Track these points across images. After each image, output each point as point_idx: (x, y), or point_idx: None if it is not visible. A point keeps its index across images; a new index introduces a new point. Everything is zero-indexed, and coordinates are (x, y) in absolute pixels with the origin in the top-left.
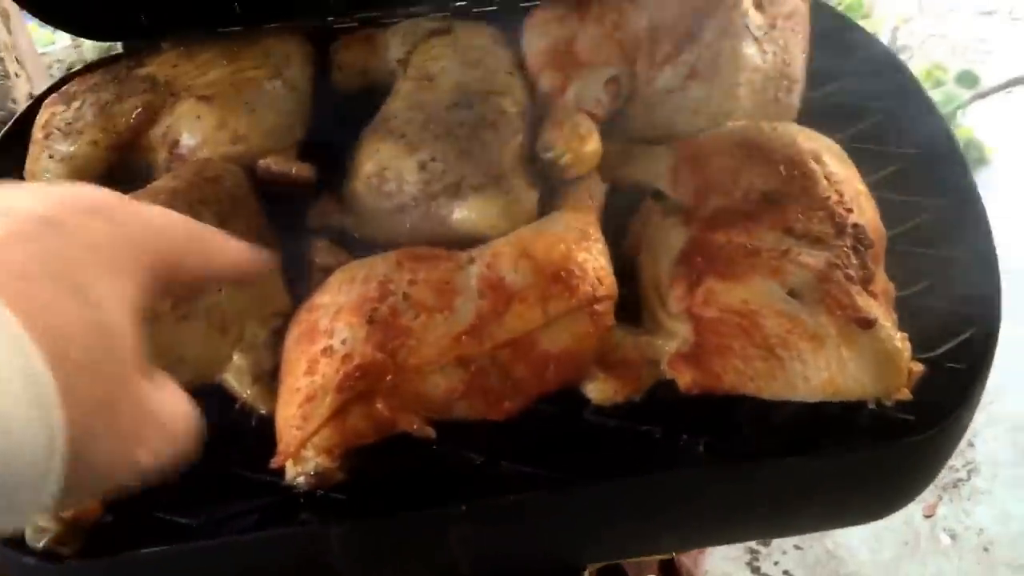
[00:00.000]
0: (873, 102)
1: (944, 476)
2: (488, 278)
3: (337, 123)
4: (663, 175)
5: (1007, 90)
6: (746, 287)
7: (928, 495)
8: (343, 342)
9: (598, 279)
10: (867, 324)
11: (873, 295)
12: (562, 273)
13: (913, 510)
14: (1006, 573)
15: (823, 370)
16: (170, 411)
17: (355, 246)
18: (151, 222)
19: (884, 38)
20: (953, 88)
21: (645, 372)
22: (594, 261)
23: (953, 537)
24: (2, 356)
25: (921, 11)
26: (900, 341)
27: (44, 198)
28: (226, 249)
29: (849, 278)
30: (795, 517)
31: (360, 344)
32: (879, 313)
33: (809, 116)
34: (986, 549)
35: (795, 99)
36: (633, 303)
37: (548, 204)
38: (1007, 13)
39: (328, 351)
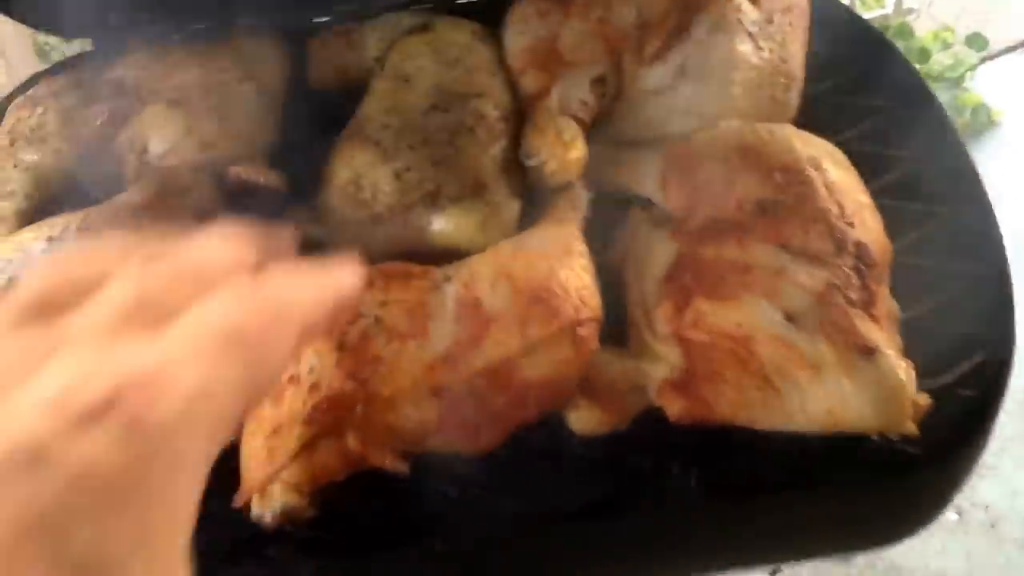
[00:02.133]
0: (876, 99)
1: None
2: (465, 301)
3: (313, 126)
4: (651, 181)
5: (1017, 51)
6: (739, 309)
7: None
8: (310, 370)
9: (581, 300)
10: (868, 352)
11: (876, 319)
12: (543, 294)
13: None
14: (1013, 550)
15: (822, 401)
16: None
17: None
18: (205, 399)
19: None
20: (962, 50)
21: (632, 399)
22: (577, 280)
23: (959, 513)
24: None
25: None
26: (905, 372)
27: (27, 407)
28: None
29: (850, 301)
30: (793, 551)
31: (329, 373)
32: (881, 340)
33: (807, 115)
34: (993, 526)
35: (793, 98)
36: (620, 321)
37: (530, 212)
38: None
39: (295, 380)
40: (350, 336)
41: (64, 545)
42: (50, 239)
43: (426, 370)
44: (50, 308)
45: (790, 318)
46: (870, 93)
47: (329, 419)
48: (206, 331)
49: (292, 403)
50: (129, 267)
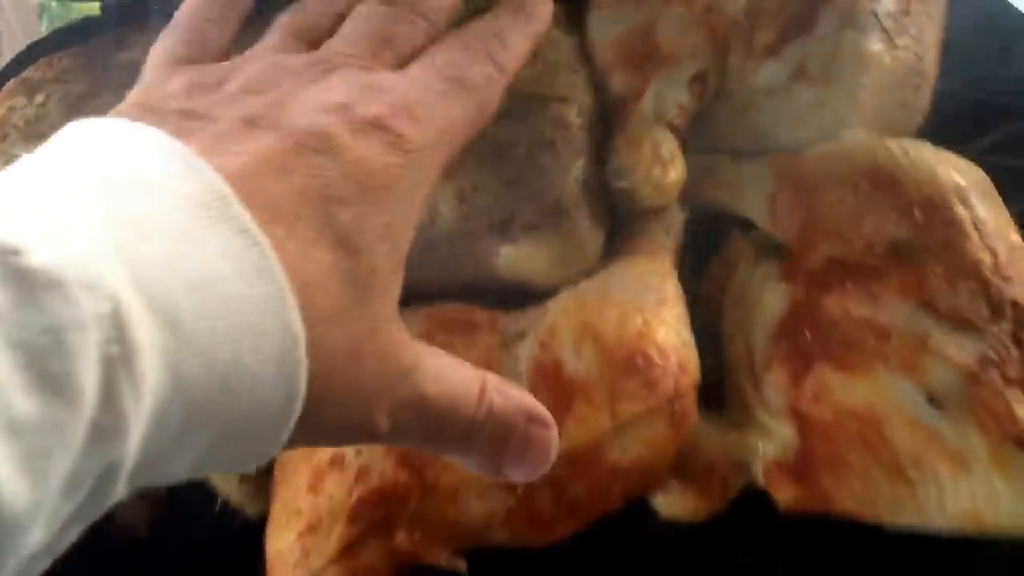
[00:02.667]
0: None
1: None
2: (542, 365)
3: None
4: (757, 201)
5: None
6: (871, 384)
7: None
8: (358, 452)
9: (680, 366)
10: None
11: None
12: (638, 362)
13: None
14: None
15: (967, 500)
16: (433, 376)
17: None
18: (444, 132)
19: None
20: None
21: (732, 479)
22: (675, 337)
23: None
24: (264, 311)
25: None
26: None
27: (315, 107)
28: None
29: (1007, 380)
30: None
31: (380, 457)
32: None
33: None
34: None
35: (924, 100)
36: (714, 369)
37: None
38: None
39: (338, 462)
40: None
41: (332, 218)
42: None
43: None
44: (309, 35)
45: (933, 398)
46: (1009, 93)
47: (378, 515)
48: (443, 75)
49: (334, 492)
50: (367, 6)
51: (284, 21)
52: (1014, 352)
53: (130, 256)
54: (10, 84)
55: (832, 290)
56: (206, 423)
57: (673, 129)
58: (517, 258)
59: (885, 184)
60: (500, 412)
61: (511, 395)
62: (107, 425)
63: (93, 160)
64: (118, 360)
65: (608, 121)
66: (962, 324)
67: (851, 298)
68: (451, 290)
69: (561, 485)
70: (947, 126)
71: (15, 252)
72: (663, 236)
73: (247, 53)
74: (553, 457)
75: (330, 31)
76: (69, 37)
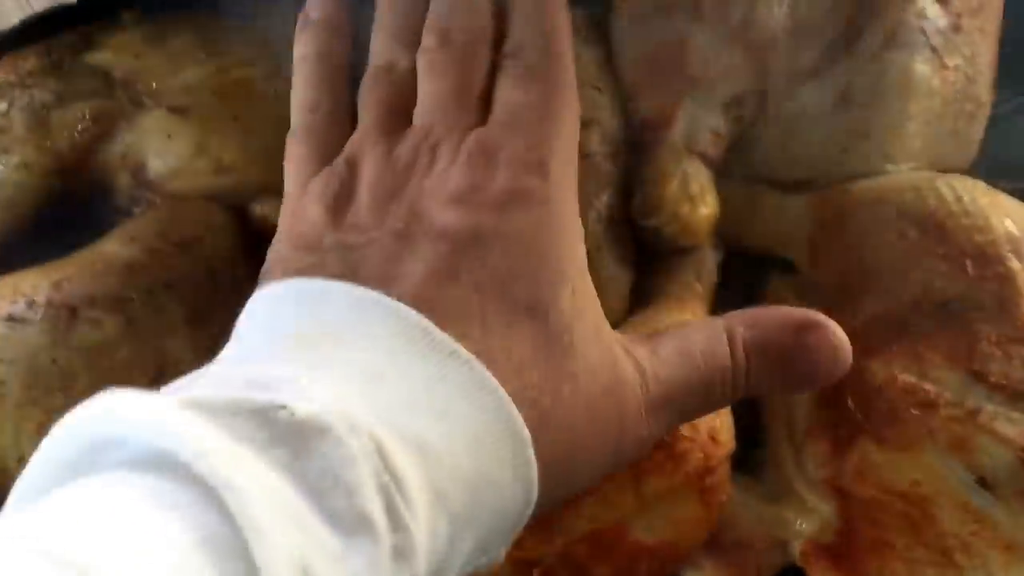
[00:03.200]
0: None
1: None
2: None
3: None
4: (796, 240)
5: None
6: (916, 462)
7: None
8: None
9: (711, 436)
10: None
11: None
12: (665, 436)
13: None
14: None
15: None
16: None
17: None
18: (565, 151)
19: None
20: None
21: (768, 557)
22: None
23: None
24: (490, 422)
25: None
26: None
27: (448, 202)
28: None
29: None
30: None
31: None
32: None
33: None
34: None
35: (978, 130)
36: (750, 429)
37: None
38: None
39: None
40: None
41: (512, 296)
42: (10, 318)
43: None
44: (397, 105)
45: (983, 479)
46: None
47: None
48: (529, 100)
49: None
50: (429, 55)
51: (370, 101)
52: None
53: (372, 399)
54: None
55: (878, 352)
56: (466, 528)
57: (706, 159)
58: None
59: (934, 231)
60: (762, 343)
61: (764, 319)
62: (402, 545)
63: (307, 322)
64: (392, 487)
65: (635, 148)
66: (1016, 396)
67: (897, 362)
68: None
69: (583, 567)
70: (1005, 159)
71: (282, 407)
72: (694, 280)
73: (354, 143)
74: (845, 351)
75: (411, 92)
76: (36, 29)
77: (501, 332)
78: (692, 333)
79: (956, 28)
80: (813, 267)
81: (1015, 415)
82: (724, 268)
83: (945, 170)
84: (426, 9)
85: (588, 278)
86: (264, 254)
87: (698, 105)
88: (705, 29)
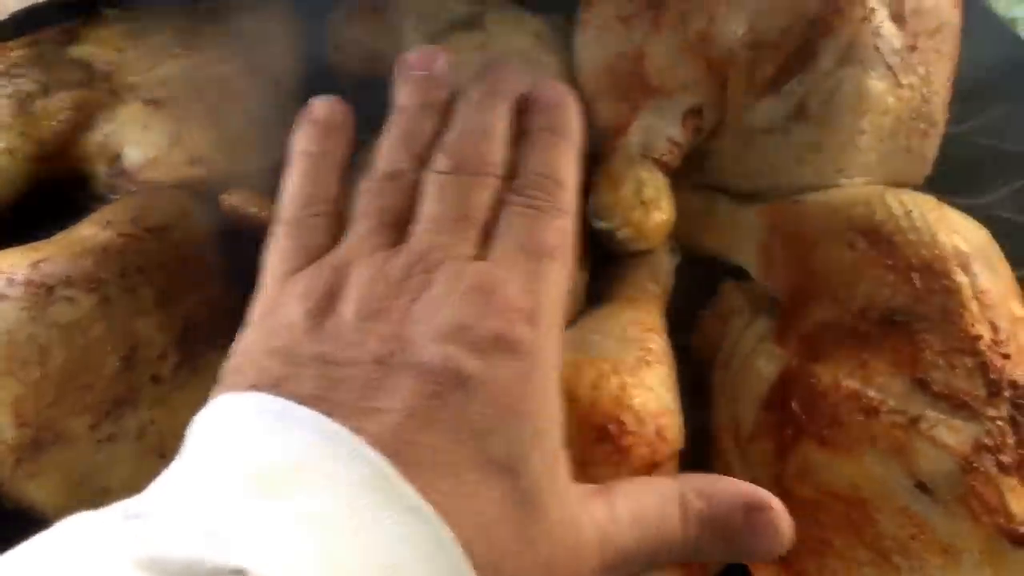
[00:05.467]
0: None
1: None
2: None
3: None
4: (750, 248)
5: None
6: (858, 465)
7: None
8: None
9: (658, 433)
10: (1021, 540)
11: None
12: (610, 427)
13: None
14: None
15: None
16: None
17: None
18: (554, 309)
19: None
20: None
21: None
22: (655, 401)
23: None
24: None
25: None
26: None
27: (437, 336)
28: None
29: (1003, 467)
30: None
31: None
32: None
33: (937, 166)
34: None
35: (931, 148)
36: (699, 430)
37: (598, 279)
38: None
39: None
40: None
41: (487, 452)
42: None
43: None
44: (394, 218)
45: (922, 484)
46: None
47: None
48: (529, 253)
49: None
50: (438, 180)
51: (370, 207)
52: (1010, 437)
53: (329, 554)
54: None
55: (824, 357)
56: None
57: (663, 167)
58: None
59: (883, 244)
60: (711, 517)
61: (717, 493)
62: None
63: (271, 450)
64: None
65: (592, 154)
66: (957, 405)
67: (843, 368)
68: None
69: None
70: (956, 176)
71: (240, 572)
72: (649, 282)
73: (345, 248)
74: (787, 534)
75: (411, 206)
76: (25, 22)
77: (472, 488)
78: (647, 496)
79: (912, 48)
80: (765, 273)
81: (956, 423)
82: (679, 271)
83: (897, 186)
84: (441, 125)
85: (560, 434)
86: (233, 244)
87: (656, 114)
88: (664, 41)
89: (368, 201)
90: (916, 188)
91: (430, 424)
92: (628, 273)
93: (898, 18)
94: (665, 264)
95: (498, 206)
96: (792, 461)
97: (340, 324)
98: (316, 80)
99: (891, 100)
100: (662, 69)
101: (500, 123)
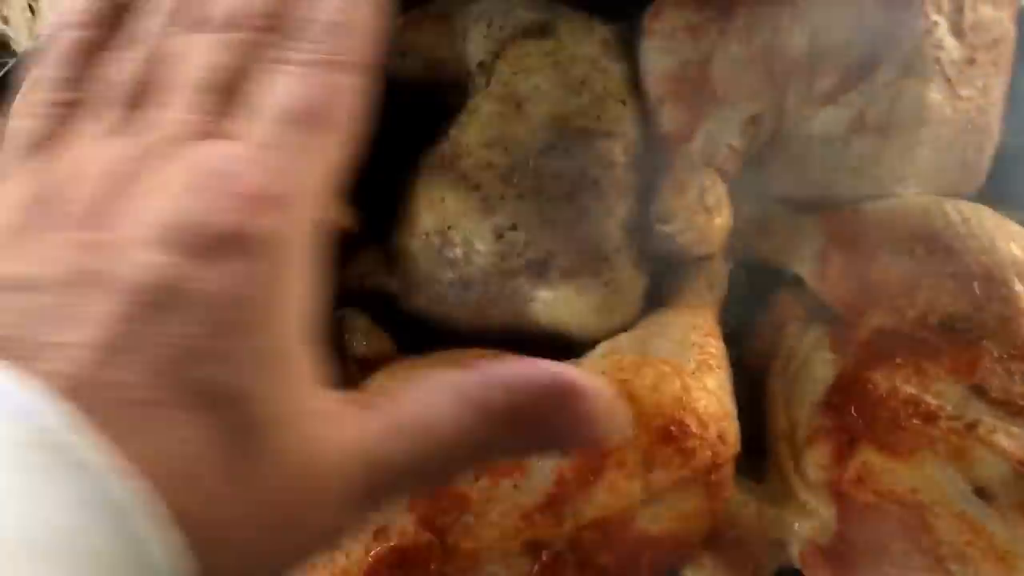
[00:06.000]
0: None
1: None
2: None
3: (394, 136)
4: (807, 257)
5: None
6: (916, 470)
7: None
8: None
9: (720, 436)
10: None
11: None
12: (673, 429)
13: None
14: None
15: None
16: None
17: (402, 322)
18: (310, 196)
19: None
20: None
21: (766, 557)
22: (716, 405)
23: None
24: (128, 557)
25: None
26: None
27: (155, 240)
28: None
29: None
30: None
31: (400, 515)
32: None
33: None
34: None
35: (986, 160)
36: (754, 438)
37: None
38: None
39: None
40: None
41: (196, 383)
42: None
43: (522, 520)
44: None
45: (981, 490)
46: None
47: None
48: (296, 119)
49: (351, 549)
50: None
51: (97, 87)
52: None
53: None
54: None
55: (881, 363)
56: None
57: (722, 173)
58: (554, 304)
59: (942, 252)
60: (508, 408)
61: (514, 381)
62: None
63: None
64: None
65: (655, 159)
66: (1015, 411)
67: (900, 374)
68: (489, 334)
69: (588, 552)
70: (1010, 188)
71: None
72: (706, 289)
73: (69, 136)
74: (602, 418)
75: (154, 78)
76: None
77: (169, 428)
78: (420, 398)
79: (971, 61)
80: (821, 281)
81: (1014, 429)
82: (732, 278)
83: (952, 196)
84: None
85: (306, 345)
86: None
87: (718, 122)
88: (729, 51)
89: (98, 76)
90: (969, 199)
91: (122, 356)
92: (686, 279)
93: (958, 32)
94: (720, 270)
95: (262, 67)
96: (850, 466)
97: (44, 239)
98: (376, 85)
99: (949, 111)
100: (726, 78)
101: None
